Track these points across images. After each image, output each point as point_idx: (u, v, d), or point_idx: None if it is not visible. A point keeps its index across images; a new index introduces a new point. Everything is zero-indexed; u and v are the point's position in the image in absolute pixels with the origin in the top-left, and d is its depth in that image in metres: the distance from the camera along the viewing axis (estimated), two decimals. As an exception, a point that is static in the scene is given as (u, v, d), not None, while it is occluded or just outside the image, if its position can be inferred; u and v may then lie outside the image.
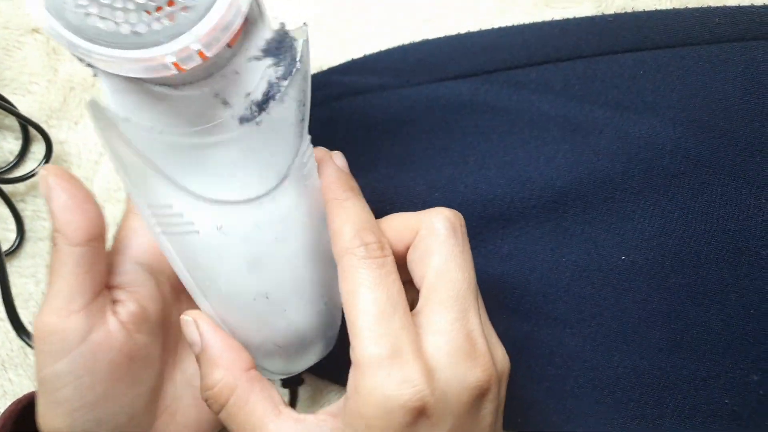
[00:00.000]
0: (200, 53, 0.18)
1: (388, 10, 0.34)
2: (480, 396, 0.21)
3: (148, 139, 0.21)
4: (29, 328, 0.32)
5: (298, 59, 0.21)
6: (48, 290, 0.23)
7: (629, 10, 0.31)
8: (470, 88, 0.31)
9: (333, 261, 0.23)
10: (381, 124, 0.32)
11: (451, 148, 0.31)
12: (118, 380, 0.23)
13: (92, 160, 0.34)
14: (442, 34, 0.33)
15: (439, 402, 0.20)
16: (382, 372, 0.20)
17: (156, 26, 0.18)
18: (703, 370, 0.28)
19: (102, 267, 0.24)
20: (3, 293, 0.31)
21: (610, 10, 0.31)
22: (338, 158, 0.26)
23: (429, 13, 0.33)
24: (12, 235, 0.33)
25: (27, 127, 0.33)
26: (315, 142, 0.33)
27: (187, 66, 0.18)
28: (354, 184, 0.25)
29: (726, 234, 0.28)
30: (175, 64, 0.18)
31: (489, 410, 0.22)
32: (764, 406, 0.27)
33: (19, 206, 0.34)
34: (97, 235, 0.23)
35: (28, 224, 0.34)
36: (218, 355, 0.23)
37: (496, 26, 0.32)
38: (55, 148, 0.34)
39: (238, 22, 0.18)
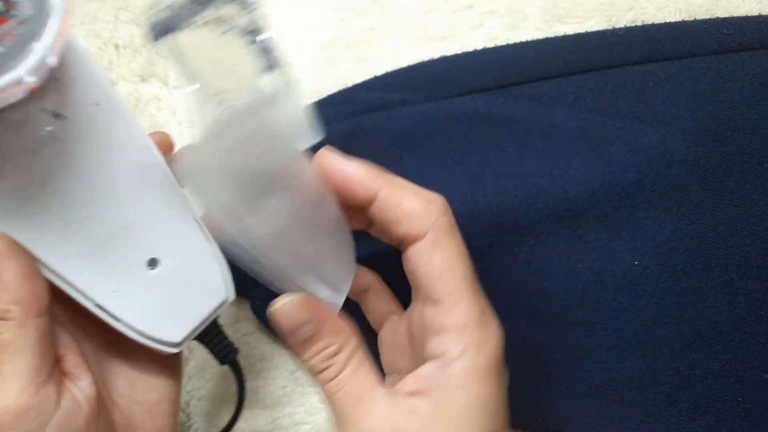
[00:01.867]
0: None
1: (407, 29, 0.36)
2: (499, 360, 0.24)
3: None
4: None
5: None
6: (5, 369, 0.21)
7: (639, 24, 0.32)
8: (486, 102, 0.33)
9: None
10: (402, 137, 0.34)
11: (469, 160, 0.33)
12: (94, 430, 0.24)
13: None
14: (458, 51, 0.34)
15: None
16: (485, 328, 0.24)
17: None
18: (716, 370, 0.29)
19: (54, 330, 0.23)
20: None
21: (620, 24, 0.32)
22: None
23: (446, 32, 0.35)
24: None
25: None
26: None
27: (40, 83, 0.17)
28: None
29: (736, 238, 0.29)
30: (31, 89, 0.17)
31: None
32: (776, 404, 0.29)
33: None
34: (49, 301, 0.22)
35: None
36: (335, 326, 0.24)
37: (509, 42, 0.34)
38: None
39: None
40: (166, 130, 0.39)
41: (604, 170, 0.30)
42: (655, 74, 0.31)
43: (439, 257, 0.24)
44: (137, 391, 0.27)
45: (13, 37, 0.16)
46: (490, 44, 0.34)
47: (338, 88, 0.36)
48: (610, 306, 0.30)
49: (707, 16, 0.32)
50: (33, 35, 0.16)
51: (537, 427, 0.31)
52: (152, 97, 0.39)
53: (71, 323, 0.25)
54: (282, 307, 0.24)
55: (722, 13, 0.31)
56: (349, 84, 0.36)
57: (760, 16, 0.31)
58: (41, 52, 0.17)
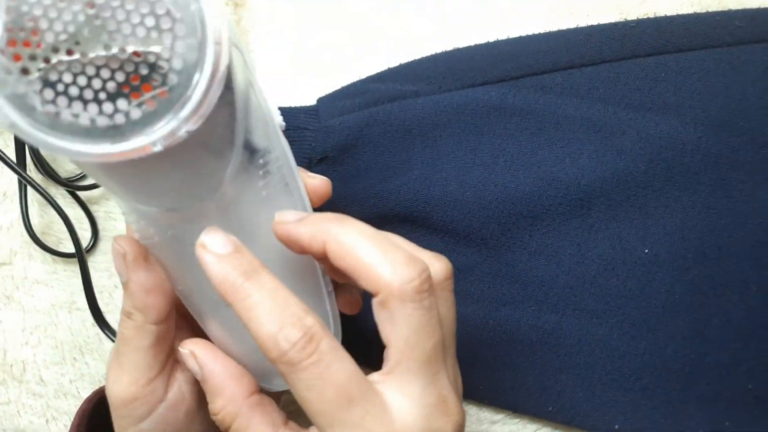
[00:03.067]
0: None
1: (420, 21, 0.36)
2: None
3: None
4: (106, 317, 0.36)
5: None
6: (123, 359, 0.24)
7: (651, 16, 0.33)
8: (499, 93, 0.33)
9: (304, 269, 0.24)
10: (416, 127, 0.35)
11: (481, 149, 0.33)
12: (191, 422, 0.26)
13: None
14: (471, 43, 0.35)
15: None
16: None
17: (135, 115, 0.17)
18: (726, 358, 0.29)
19: (172, 334, 0.25)
20: (85, 287, 0.36)
21: (633, 16, 0.33)
22: (215, 241, 0.22)
23: (459, 24, 0.36)
24: (87, 234, 0.38)
25: (99, 139, 0.37)
26: (355, 147, 0.36)
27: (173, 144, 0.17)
28: (246, 263, 0.22)
29: (746, 227, 0.29)
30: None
31: None
32: (787, 392, 0.29)
33: (93, 208, 0.38)
34: (172, 311, 0.24)
35: (101, 224, 0.38)
36: (219, 385, 0.23)
37: (522, 33, 0.34)
38: (124, 156, 0.37)
39: (221, 86, 0.17)
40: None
41: (615, 160, 0.31)
42: (668, 66, 0.31)
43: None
44: None
45: (151, 104, 0.17)
46: (503, 36, 0.34)
47: (353, 80, 0.36)
48: (621, 294, 0.30)
49: (719, 9, 0.32)
50: (173, 104, 0.17)
51: (547, 415, 0.31)
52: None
53: (189, 329, 0.27)
54: (182, 355, 0.24)
55: (734, 5, 0.32)
56: (363, 76, 0.36)
57: (772, 8, 0.31)
58: (174, 124, 0.17)
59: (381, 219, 0.34)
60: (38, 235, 0.37)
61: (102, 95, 0.16)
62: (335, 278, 0.26)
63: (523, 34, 0.34)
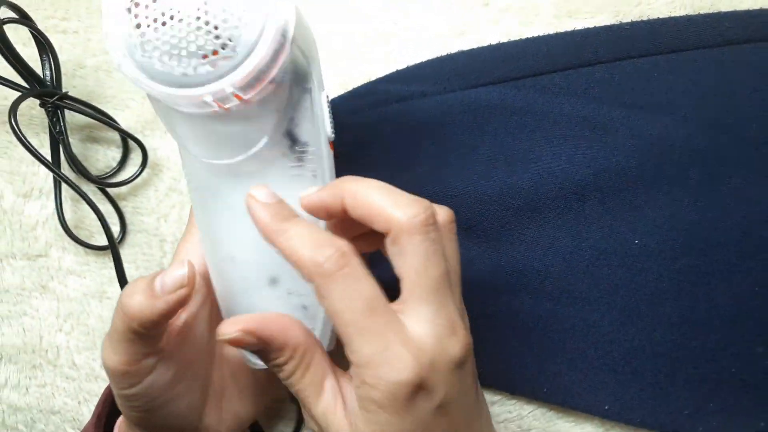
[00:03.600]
0: (236, 95, 0.22)
1: (426, 24, 0.38)
2: (462, 363, 0.24)
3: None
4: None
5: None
6: (114, 343, 0.26)
7: (645, 18, 0.34)
8: (500, 93, 0.35)
9: None
10: (422, 126, 0.37)
11: (483, 146, 0.35)
12: (180, 381, 0.28)
13: (180, 162, 0.40)
14: (474, 45, 0.37)
15: (431, 374, 0.23)
16: (380, 366, 0.23)
17: (201, 70, 0.22)
18: (712, 343, 0.31)
19: (164, 327, 0.27)
20: (119, 276, 0.39)
21: (627, 19, 0.34)
22: (261, 194, 0.25)
23: (463, 27, 0.38)
24: (116, 228, 0.40)
25: (126, 139, 0.40)
26: (366, 144, 0.38)
27: (228, 105, 0.23)
28: (286, 210, 0.25)
29: (732, 219, 0.31)
30: (216, 103, 0.22)
31: (469, 371, 0.25)
32: (769, 375, 0.30)
33: (121, 204, 0.41)
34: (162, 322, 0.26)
35: (129, 219, 0.41)
36: (281, 340, 0.25)
37: (522, 37, 0.36)
38: (150, 154, 0.40)
39: (275, 72, 0.23)
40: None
41: (608, 156, 0.32)
42: (660, 66, 0.33)
43: (322, 305, 0.24)
44: (240, 366, 0.31)
45: (215, 66, 0.22)
46: (505, 39, 0.36)
47: (363, 81, 0.39)
48: (613, 282, 0.32)
49: (711, 11, 0.33)
50: (232, 68, 0.22)
51: (542, 396, 0.33)
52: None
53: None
54: (231, 338, 0.25)
55: (725, 7, 0.33)
56: (373, 77, 0.38)
57: (761, 10, 0.32)
58: (225, 83, 0.22)
59: (389, 212, 0.36)
60: (71, 229, 0.40)
61: (183, 53, 0.22)
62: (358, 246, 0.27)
63: (524, 36, 0.36)
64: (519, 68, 0.35)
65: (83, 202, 0.38)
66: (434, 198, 0.35)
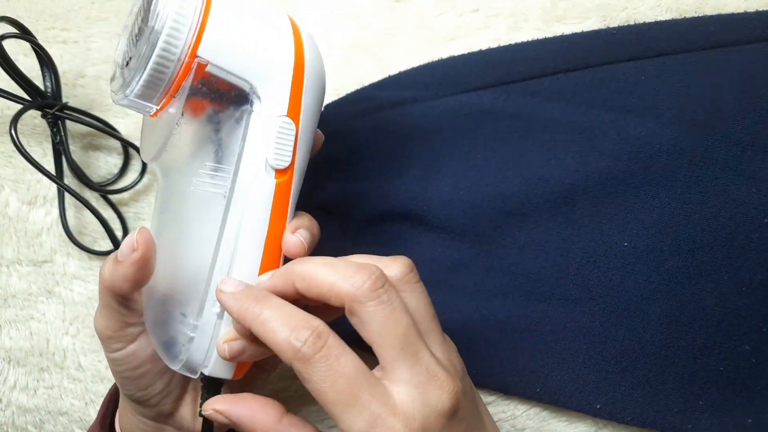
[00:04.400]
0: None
1: (417, 31, 0.39)
2: (453, 412, 0.24)
3: None
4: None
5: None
6: (102, 309, 0.29)
7: (632, 23, 0.35)
8: (490, 98, 0.36)
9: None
10: (414, 131, 0.37)
11: (475, 151, 0.36)
12: (160, 360, 0.29)
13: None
14: (465, 51, 0.37)
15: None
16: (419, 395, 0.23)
17: (116, 81, 0.27)
18: (700, 342, 0.31)
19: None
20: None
21: (615, 23, 0.35)
22: (227, 285, 0.26)
23: (454, 33, 0.38)
24: (119, 234, 0.41)
25: (127, 147, 0.41)
26: (359, 150, 0.38)
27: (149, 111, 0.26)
28: (255, 292, 0.26)
29: (719, 221, 0.31)
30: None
31: (465, 415, 0.25)
32: (756, 372, 0.31)
33: (123, 210, 0.42)
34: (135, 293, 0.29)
35: (130, 224, 0.42)
36: (250, 422, 0.25)
37: (512, 42, 0.36)
38: (149, 162, 0.41)
39: (168, 88, 0.25)
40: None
41: (597, 160, 0.33)
42: (647, 70, 0.33)
43: (307, 387, 0.24)
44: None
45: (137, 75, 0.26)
46: (495, 44, 0.37)
47: (356, 88, 0.39)
48: (602, 283, 0.33)
49: (696, 15, 0.34)
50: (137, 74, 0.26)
51: (535, 396, 0.34)
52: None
53: None
54: (209, 415, 0.26)
55: (710, 11, 0.33)
56: (366, 83, 0.39)
57: (745, 13, 0.33)
58: (132, 87, 0.26)
59: (383, 217, 0.37)
60: (75, 235, 0.41)
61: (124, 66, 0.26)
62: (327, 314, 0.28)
63: (514, 42, 0.36)
64: (509, 73, 0.36)
65: (86, 209, 0.39)
66: (427, 203, 0.36)
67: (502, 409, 0.34)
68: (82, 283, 0.42)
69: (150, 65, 0.24)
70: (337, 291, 0.25)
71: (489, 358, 0.34)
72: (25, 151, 0.36)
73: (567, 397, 0.33)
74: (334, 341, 0.24)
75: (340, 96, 0.39)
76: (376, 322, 0.24)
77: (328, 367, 0.23)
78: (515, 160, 0.35)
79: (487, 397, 0.35)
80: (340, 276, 0.25)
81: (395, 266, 0.26)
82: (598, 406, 0.33)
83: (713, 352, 0.31)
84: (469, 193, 0.35)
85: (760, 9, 0.33)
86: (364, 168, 0.38)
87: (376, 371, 0.25)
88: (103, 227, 0.39)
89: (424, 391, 0.24)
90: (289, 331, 0.24)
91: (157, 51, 0.24)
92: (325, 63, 0.41)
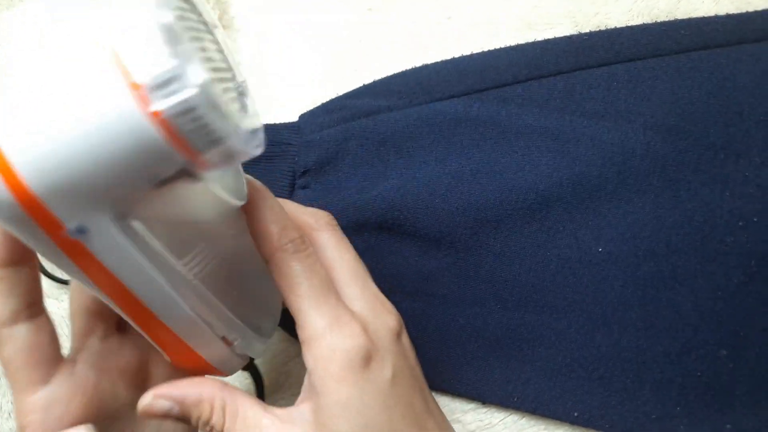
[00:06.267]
0: None
1: (392, 39, 0.39)
2: (399, 334, 0.27)
3: None
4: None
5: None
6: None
7: (603, 28, 0.34)
8: (464, 105, 0.36)
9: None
10: (389, 140, 0.37)
11: (450, 159, 0.36)
12: None
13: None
14: (439, 59, 0.37)
15: (377, 344, 0.26)
16: (333, 336, 0.25)
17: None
18: (677, 347, 0.31)
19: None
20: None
21: (586, 29, 0.35)
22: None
23: (427, 41, 0.38)
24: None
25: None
26: (333, 160, 0.38)
27: None
28: (263, 187, 0.27)
29: (693, 225, 0.31)
30: None
31: (407, 344, 0.28)
32: (734, 378, 0.31)
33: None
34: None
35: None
36: (194, 396, 0.25)
37: (486, 48, 0.36)
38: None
39: None
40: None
41: (570, 166, 0.33)
42: (618, 75, 0.33)
43: (280, 281, 0.26)
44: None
45: None
46: (468, 51, 0.37)
47: (330, 97, 0.39)
48: (578, 290, 0.32)
49: (668, 19, 0.34)
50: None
51: (513, 404, 0.33)
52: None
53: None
54: (147, 406, 0.25)
55: (682, 15, 0.33)
56: (340, 93, 0.39)
57: (716, 17, 0.33)
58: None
59: (360, 228, 0.37)
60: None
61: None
62: None
63: (487, 48, 0.36)
64: (482, 81, 0.36)
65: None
66: (403, 212, 0.36)
67: (479, 418, 0.34)
68: (55, 302, 0.42)
69: None
70: (300, 222, 0.29)
71: (465, 366, 0.34)
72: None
73: (544, 405, 0.33)
74: (313, 251, 0.27)
75: (316, 105, 0.39)
76: (330, 248, 0.28)
77: (309, 265, 0.26)
78: (489, 167, 0.35)
79: (465, 406, 0.34)
80: (301, 210, 0.30)
81: (309, 215, 0.30)
82: (575, 414, 0.32)
83: (690, 357, 0.31)
84: (444, 201, 0.35)
85: (731, 12, 0.33)
86: (340, 178, 0.38)
87: None
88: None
89: (375, 308, 0.27)
90: (280, 229, 0.26)
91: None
92: (300, 74, 0.41)
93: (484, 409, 0.34)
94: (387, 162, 0.37)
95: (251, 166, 0.39)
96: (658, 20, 0.34)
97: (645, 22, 0.34)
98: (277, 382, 0.38)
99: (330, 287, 0.26)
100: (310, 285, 0.25)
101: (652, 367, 0.31)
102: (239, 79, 0.23)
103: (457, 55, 0.37)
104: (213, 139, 0.18)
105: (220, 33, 0.22)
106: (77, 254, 0.20)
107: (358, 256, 0.29)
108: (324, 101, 0.39)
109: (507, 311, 0.34)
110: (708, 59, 0.32)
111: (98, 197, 0.18)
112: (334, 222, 0.30)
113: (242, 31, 0.43)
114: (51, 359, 0.25)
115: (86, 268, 0.21)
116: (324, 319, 0.25)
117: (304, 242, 0.26)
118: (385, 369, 0.25)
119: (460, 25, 0.37)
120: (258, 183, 0.27)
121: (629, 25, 0.34)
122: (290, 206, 0.30)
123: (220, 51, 0.22)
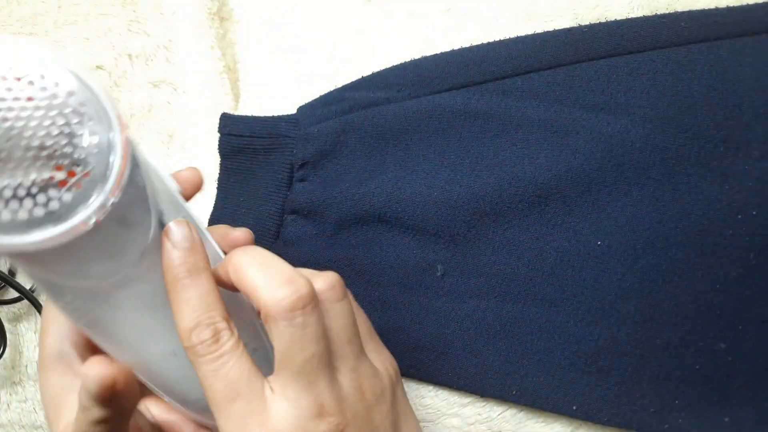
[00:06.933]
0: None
1: (390, 31, 0.39)
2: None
3: None
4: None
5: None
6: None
7: (603, 20, 0.34)
8: (463, 97, 0.35)
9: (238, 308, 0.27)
10: (388, 132, 0.37)
11: (448, 151, 0.36)
12: None
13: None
14: (437, 51, 0.37)
15: None
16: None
17: (66, 198, 0.20)
18: (675, 340, 0.31)
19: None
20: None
21: (586, 21, 0.35)
22: (176, 232, 0.25)
23: (425, 33, 0.38)
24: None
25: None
26: (332, 152, 0.38)
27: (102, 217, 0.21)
28: (193, 263, 0.25)
29: (692, 218, 0.31)
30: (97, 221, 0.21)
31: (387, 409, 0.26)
32: (732, 371, 0.31)
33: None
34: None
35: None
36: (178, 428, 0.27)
37: (485, 40, 0.36)
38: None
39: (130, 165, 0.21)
40: (178, 133, 0.43)
41: (570, 158, 0.33)
42: (618, 67, 0.33)
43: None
44: None
45: (79, 186, 0.20)
46: (467, 44, 0.36)
47: (328, 89, 0.39)
48: (577, 283, 0.32)
49: (668, 11, 0.33)
50: (96, 183, 0.20)
51: (512, 398, 0.33)
52: (164, 102, 0.43)
53: None
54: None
55: (683, 8, 0.33)
56: (339, 85, 0.39)
57: (717, 9, 0.33)
58: (103, 197, 0.20)
59: (358, 220, 0.37)
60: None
61: (33, 189, 0.19)
62: None
63: (486, 41, 0.36)
64: (481, 73, 0.35)
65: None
66: (401, 205, 0.36)
67: (477, 411, 0.34)
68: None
69: (120, 138, 0.21)
70: (257, 297, 0.24)
71: (464, 359, 0.34)
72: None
73: (543, 398, 0.33)
74: (229, 347, 0.24)
75: (315, 97, 0.39)
76: (281, 342, 0.24)
77: (213, 369, 0.24)
78: (488, 160, 0.34)
79: (463, 399, 0.34)
80: (267, 282, 0.24)
81: (321, 281, 0.26)
82: (574, 407, 0.32)
83: (689, 350, 0.31)
84: (443, 193, 0.35)
85: (731, 5, 0.33)
86: (339, 170, 0.37)
87: (271, 378, 0.25)
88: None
89: (302, 416, 0.24)
90: (195, 324, 0.24)
91: (120, 118, 0.21)
92: (298, 66, 0.41)
93: (483, 403, 0.34)
94: (385, 155, 0.37)
95: (249, 159, 0.38)
96: (658, 12, 0.34)
97: (645, 14, 0.34)
98: None
99: (242, 391, 0.24)
100: (214, 390, 0.24)
101: (651, 360, 0.31)
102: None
103: (456, 47, 0.37)
104: None
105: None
106: None
107: (318, 352, 0.24)
108: (322, 93, 0.39)
109: (505, 304, 0.34)
110: (708, 52, 0.32)
111: None
112: (304, 302, 0.24)
113: (241, 23, 0.43)
114: None
115: None
116: (229, 425, 0.24)
117: (218, 340, 0.24)
118: None
119: (459, 17, 0.37)
120: (178, 269, 0.24)
121: (629, 17, 0.34)
122: (258, 273, 0.25)
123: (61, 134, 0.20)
